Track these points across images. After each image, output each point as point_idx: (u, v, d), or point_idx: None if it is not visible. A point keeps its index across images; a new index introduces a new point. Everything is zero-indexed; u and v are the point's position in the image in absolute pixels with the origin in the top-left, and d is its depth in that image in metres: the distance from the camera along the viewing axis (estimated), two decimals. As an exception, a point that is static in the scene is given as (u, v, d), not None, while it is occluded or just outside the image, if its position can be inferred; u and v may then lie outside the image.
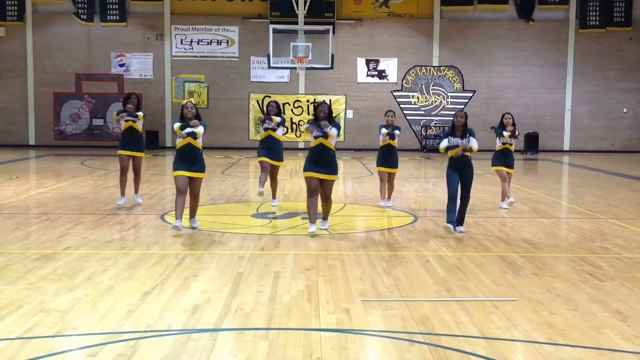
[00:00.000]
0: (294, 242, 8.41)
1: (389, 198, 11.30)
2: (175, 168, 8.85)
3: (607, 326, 5.21)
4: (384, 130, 10.95)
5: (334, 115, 9.20)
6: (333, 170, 8.87)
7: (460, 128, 8.88)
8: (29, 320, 5.18)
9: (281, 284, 6.32)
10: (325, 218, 9.18)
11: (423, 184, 15.30)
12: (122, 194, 11.09)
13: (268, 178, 11.12)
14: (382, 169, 11.17)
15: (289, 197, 12.37)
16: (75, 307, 5.54)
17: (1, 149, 23.72)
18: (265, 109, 11.35)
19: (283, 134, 11.20)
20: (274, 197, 11.27)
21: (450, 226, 8.82)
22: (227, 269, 6.91)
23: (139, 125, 10.90)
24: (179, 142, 8.87)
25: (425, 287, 6.30)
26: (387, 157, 11.11)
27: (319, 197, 8.92)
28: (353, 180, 15.80)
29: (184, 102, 9.06)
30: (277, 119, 10.94)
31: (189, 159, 8.82)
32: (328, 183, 8.89)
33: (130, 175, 11.16)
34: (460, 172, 8.88)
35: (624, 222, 10.10)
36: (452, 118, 9.18)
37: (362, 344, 4.82)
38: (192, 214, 9.06)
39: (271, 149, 10.98)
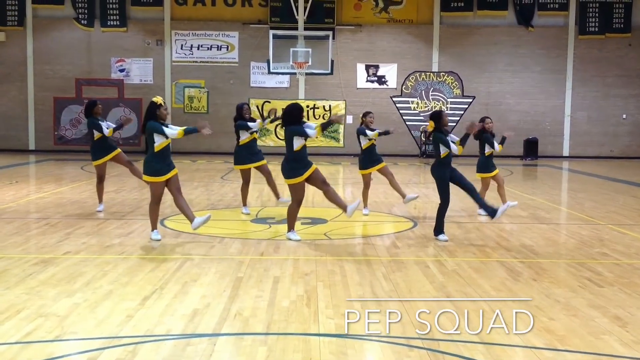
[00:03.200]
0: (293, 247, 8.41)
1: (403, 196, 11.06)
2: (158, 172, 8.46)
3: (606, 332, 5.21)
4: (370, 133, 10.71)
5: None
6: (310, 161, 8.73)
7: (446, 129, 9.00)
8: (28, 324, 5.19)
9: (280, 289, 6.33)
10: (343, 206, 8.66)
11: (422, 190, 15.31)
12: (100, 201, 11.08)
13: (249, 185, 10.97)
14: (371, 169, 10.91)
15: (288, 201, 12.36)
16: (75, 311, 5.55)
17: (1, 154, 23.73)
18: (238, 112, 10.75)
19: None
20: (277, 196, 10.99)
21: (445, 237, 8.83)
22: (227, 274, 6.91)
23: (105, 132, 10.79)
24: (161, 144, 8.43)
25: (424, 292, 6.31)
26: (372, 157, 10.89)
27: (322, 187, 8.69)
28: (352, 185, 15.81)
29: (160, 100, 8.51)
30: (264, 122, 10.69)
31: (168, 158, 8.53)
32: (317, 172, 8.68)
33: (130, 182, 11.13)
34: (450, 174, 8.86)
35: (623, 228, 10.10)
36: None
37: (361, 349, 4.82)
38: (191, 216, 8.57)
39: (255, 152, 10.79)
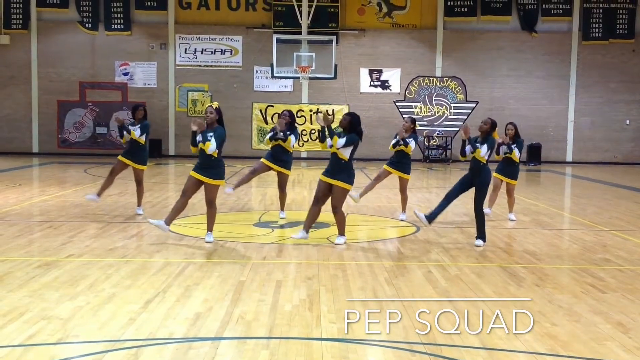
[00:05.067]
0: (296, 251, 8.41)
1: (403, 210, 11.08)
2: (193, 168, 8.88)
3: (608, 338, 5.21)
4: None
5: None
6: (342, 178, 8.65)
7: (482, 134, 8.98)
8: (31, 327, 5.19)
9: (283, 293, 6.33)
10: (340, 233, 8.89)
11: (425, 195, 15.30)
12: (99, 193, 11.10)
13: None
14: (389, 169, 10.98)
15: (291, 206, 12.37)
16: (77, 314, 5.55)
17: (5, 157, 23.78)
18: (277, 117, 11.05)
19: (292, 145, 10.87)
20: (282, 209, 10.99)
21: (422, 216, 8.99)
22: (229, 277, 6.92)
23: (140, 137, 10.88)
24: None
25: (426, 297, 6.31)
26: (398, 161, 10.94)
27: (332, 207, 8.82)
28: (355, 190, 15.77)
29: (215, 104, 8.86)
30: (292, 140, 10.70)
31: (201, 163, 8.72)
32: (335, 190, 8.69)
33: (133, 186, 11.16)
34: (472, 177, 8.87)
35: (626, 234, 10.09)
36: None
37: (364, 354, 4.82)
38: (209, 227, 8.76)
39: (279, 158, 10.68)
